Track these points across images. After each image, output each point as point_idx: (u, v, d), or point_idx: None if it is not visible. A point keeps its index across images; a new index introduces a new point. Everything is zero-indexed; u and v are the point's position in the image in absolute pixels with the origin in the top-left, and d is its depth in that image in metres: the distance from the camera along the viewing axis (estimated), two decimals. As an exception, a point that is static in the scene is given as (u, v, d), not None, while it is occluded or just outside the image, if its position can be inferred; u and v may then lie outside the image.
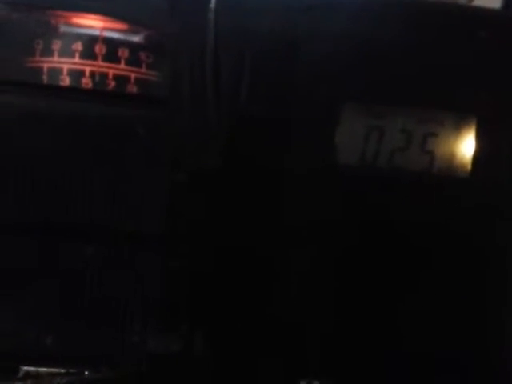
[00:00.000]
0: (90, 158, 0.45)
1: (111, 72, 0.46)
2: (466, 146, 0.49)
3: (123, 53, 0.46)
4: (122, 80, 0.46)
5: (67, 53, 0.46)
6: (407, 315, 0.50)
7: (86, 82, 0.46)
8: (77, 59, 0.46)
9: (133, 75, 0.46)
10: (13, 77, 0.46)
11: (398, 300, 0.50)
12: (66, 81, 0.46)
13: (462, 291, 0.50)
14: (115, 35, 0.47)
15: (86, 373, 0.46)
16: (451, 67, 0.49)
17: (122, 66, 0.46)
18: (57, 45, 0.46)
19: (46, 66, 0.46)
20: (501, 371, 0.52)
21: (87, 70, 0.46)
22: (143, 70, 0.47)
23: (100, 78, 0.46)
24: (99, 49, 0.46)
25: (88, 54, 0.46)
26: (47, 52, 0.46)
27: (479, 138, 0.49)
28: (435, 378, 0.51)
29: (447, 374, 0.51)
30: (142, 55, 0.47)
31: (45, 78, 0.46)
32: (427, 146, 0.49)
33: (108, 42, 0.46)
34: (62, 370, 0.46)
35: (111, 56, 0.46)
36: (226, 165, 0.46)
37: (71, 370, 0.46)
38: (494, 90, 0.49)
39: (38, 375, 0.46)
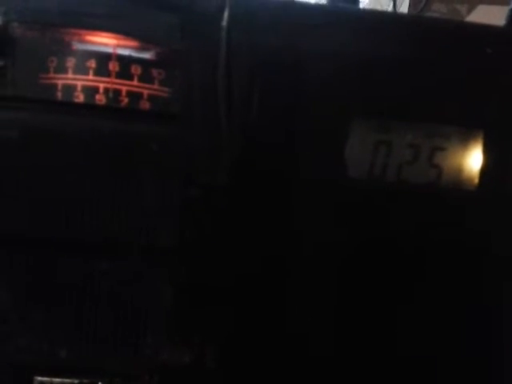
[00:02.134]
0: (103, 174, 0.46)
1: (124, 89, 0.47)
2: (474, 160, 0.50)
3: (136, 69, 0.47)
4: (135, 96, 0.47)
5: (81, 70, 0.47)
6: (414, 328, 0.51)
7: (100, 99, 0.47)
8: (91, 76, 0.47)
9: (145, 92, 0.47)
10: (27, 94, 0.47)
11: (404, 310, 0.51)
12: (80, 97, 0.47)
13: (470, 304, 0.51)
14: (128, 52, 0.47)
15: (100, 384, 0.47)
16: (458, 83, 0.50)
17: (135, 82, 0.47)
18: (71, 62, 0.47)
19: (60, 82, 0.47)
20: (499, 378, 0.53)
21: (101, 86, 0.47)
22: (156, 86, 0.47)
23: (113, 95, 0.47)
24: (113, 66, 0.47)
25: (102, 70, 0.47)
26: (61, 69, 0.47)
27: (486, 152, 0.50)
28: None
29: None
30: (155, 72, 0.47)
31: (59, 95, 0.47)
32: (435, 160, 0.50)
33: (121, 59, 0.47)
34: (76, 381, 0.47)
35: (124, 73, 0.47)
36: (238, 180, 0.47)
37: (85, 381, 0.47)
38: (501, 105, 0.50)
39: (52, 386, 0.46)
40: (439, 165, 0.50)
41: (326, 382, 0.50)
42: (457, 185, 0.50)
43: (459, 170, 0.50)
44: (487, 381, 0.53)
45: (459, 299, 0.50)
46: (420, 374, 0.51)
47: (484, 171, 0.50)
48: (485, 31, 0.52)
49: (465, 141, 0.50)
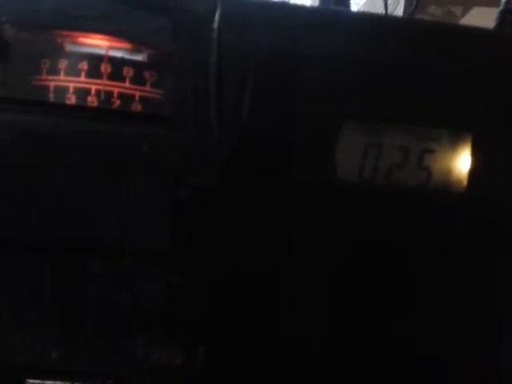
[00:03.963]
0: (94, 176, 0.46)
1: (116, 90, 0.47)
2: (463, 162, 0.51)
3: (128, 71, 0.47)
4: (126, 98, 0.47)
5: (73, 71, 0.47)
6: (403, 327, 0.51)
7: (92, 101, 0.47)
8: (83, 78, 0.47)
9: (137, 93, 0.48)
10: (20, 95, 0.47)
11: (394, 312, 0.51)
12: (71, 99, 0.47)
13: (459, 305, 0.51)
14: (120, 54, 0.48)
15: (91, 386, 0.47)
16: (447, 85, 0.50)
17: (127, 84, 0.47)
18: (63, 64, 0.47)
19: (52, 84, 0.47)
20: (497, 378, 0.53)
21: (93, 88, 0.47)
22: (147, 88, 0.48)
23: (105, 97, 0.47)
24: (104, 68, 0.47)
25: (94, 72, 0.47)
26: (54, 71, 0.47)
27: (475, 155, 0.50)
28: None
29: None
30: (147, 74, 0.48)
31: (51, 97, 0.47)
32: (424, 163, 0.50)
33: (113, 61, 0.47)
34: (68, 383, 0.47)
35: (116, 75, 0.47)
36: (228, 181, 0.47)
37: (76, 383, 0.47)
38: (489, 108, 0.51)
39: (43, 388, 0.46)
40: (428, 167, 0.50)
41: (316, 383, 0.51)
42: (446, 187, 0.51)
43: (448, 173, 0.51)
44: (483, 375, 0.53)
45: (449, 300, 0.51)
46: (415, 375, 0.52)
47: (473, 173, 0.50)
48: (474, 34, 0.53)
49: (454, 143, 0.51)
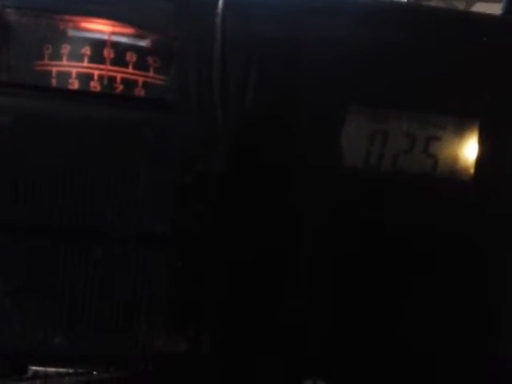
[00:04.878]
0: (98, 161, 0.46)
1: (119, 76, 0.47)
2: (469, 150, 0.50)
3: (131, 57, 0.47)
4: (129, 84, 0.47)
5: (76, 57, 0.46)
6: (408, 317, 0.51)
7: (95, 86, 0.47)
8: (85, 63, 0.46)
9: (140, 79, 0.47)
10: (22, 80, 0.46)
11: (399, 302, 0.51)
12: (74, 84, 0.47)
13: (463, 295, 0.51)
14: (123, 39, 0.47)
15: (95, 373, 0.47)
16: (454, 72, 0.50)
17: (130, 69, 0.47)
18: (66, 49, 0.47)
19: (54, 69, 0.47)
20: (499, 374, 0.53)
21: (96, 73, 0.46)
22: (151, 73, 0.47)
23: (108, 82, 0.47)
24: (107, 53, 0.46)
25: (96, 58, 0.46)
26: (56, 56, 0.47)
27: (482, 142, 0.50)
28: (434, 379, 0.51)
29: (445, 376, 0.52)
30: (150, 59, 0.47)
31: (54, 82, 0.47)
32: (430, 150, 0.50)
33: (116, 46, 0.47)
34: (71, 370, 0.47)
35: (119, 60, 0.47)
36: (233, 167, 0.47)
37: (79, 370, 0.47)
38: (496, 95, 0.50)
39: (46, 375, 0.46)
40: (435, 154, 0.50)
41: (321, 371, 0.50)
42: (452, 174, 0.50)
43: (455, 160, 0.50)
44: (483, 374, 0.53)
45: (454, 288, 0.50)
46: (418, 368, 0.51)
47: (479, 161, 0.50)
48: (481, 20, 0.52)
49: (460, 130, 0.50)
